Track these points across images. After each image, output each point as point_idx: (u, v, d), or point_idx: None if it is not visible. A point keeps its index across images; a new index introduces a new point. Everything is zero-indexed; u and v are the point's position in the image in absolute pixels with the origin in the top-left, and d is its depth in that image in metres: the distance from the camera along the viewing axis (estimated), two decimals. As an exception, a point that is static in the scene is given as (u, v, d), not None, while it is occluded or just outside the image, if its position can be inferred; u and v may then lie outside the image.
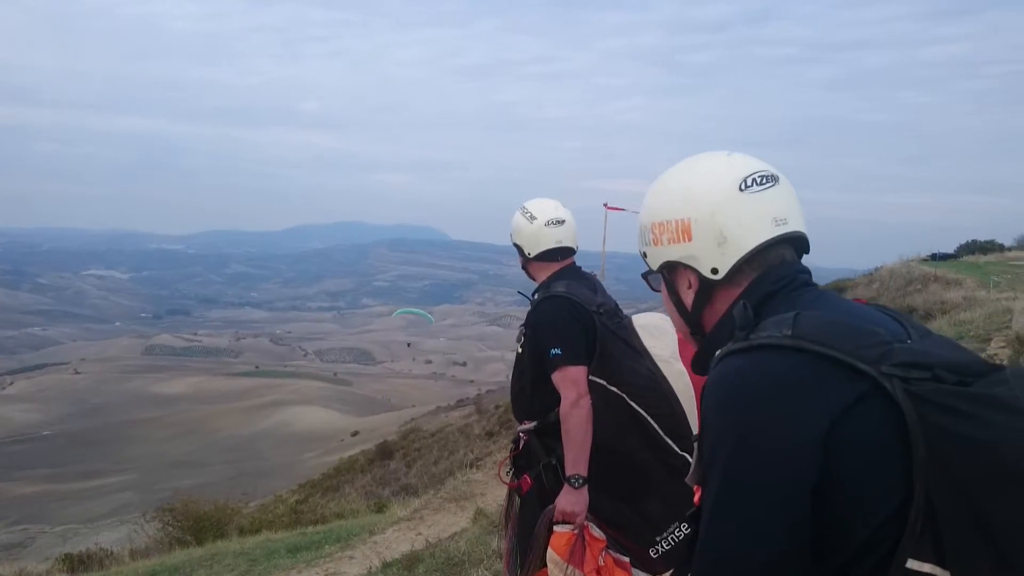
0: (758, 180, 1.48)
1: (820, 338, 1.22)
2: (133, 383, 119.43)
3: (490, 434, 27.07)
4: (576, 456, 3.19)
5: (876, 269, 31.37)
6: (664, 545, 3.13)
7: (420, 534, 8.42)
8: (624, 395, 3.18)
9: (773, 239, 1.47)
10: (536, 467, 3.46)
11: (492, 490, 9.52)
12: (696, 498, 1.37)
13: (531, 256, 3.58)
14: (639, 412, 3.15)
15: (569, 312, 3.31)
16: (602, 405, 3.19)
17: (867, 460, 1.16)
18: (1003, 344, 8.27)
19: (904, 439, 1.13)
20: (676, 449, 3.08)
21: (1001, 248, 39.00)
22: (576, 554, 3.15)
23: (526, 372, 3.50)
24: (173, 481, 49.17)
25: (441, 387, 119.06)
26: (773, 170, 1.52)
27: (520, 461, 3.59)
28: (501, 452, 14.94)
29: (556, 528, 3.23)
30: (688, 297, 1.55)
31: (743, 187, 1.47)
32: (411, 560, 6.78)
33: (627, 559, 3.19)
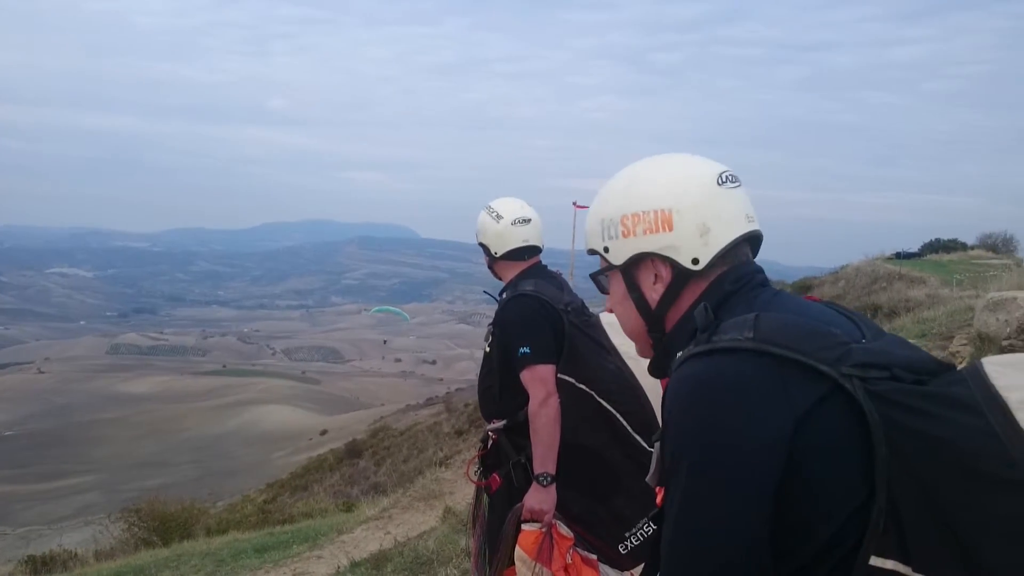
0: (730, 178, 1.51)
1: (781, 340, 1.23)
2: (98, 382, 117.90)
3: (459, 432, 27.06)
4: (544, 454, 3.20)
5: (842, 267, 31.74)
6: (633, 541, 3.15)
7: (389, 533, 8.40)
8: (593, 393, 3.19)
9: (745, 234, 1.49)
10: (505, 466, 3.46)
11: (461, 488, 9.52)
12: (659, 499, 1.38)
13: (497, 255, 3.57)
14: (608, 409, 3.16)
15: (537, 311, 3.31)
16: (571, 403, 3.20)
17: (831, 460, 1.17)
18: (965, 342, 8.38)
19: (866, 438, 1.15)
20: (645, 446, 3.09)
21: (964, 247, 39.56)
22: (544, 552, 3.16)
23: (494, 371, 3.49)
24: (139, 481, 48.72)
25: (410, 385, 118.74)
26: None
27: (489, 460, 3.59)
28: (470, 450, 14.94)
29: (524, 526, 3.24)
30: (655, 293, 1.53)
31: (720, 182, 1.49)
32: (380, 559, 6.76)
33: (595, 556, 3.20)
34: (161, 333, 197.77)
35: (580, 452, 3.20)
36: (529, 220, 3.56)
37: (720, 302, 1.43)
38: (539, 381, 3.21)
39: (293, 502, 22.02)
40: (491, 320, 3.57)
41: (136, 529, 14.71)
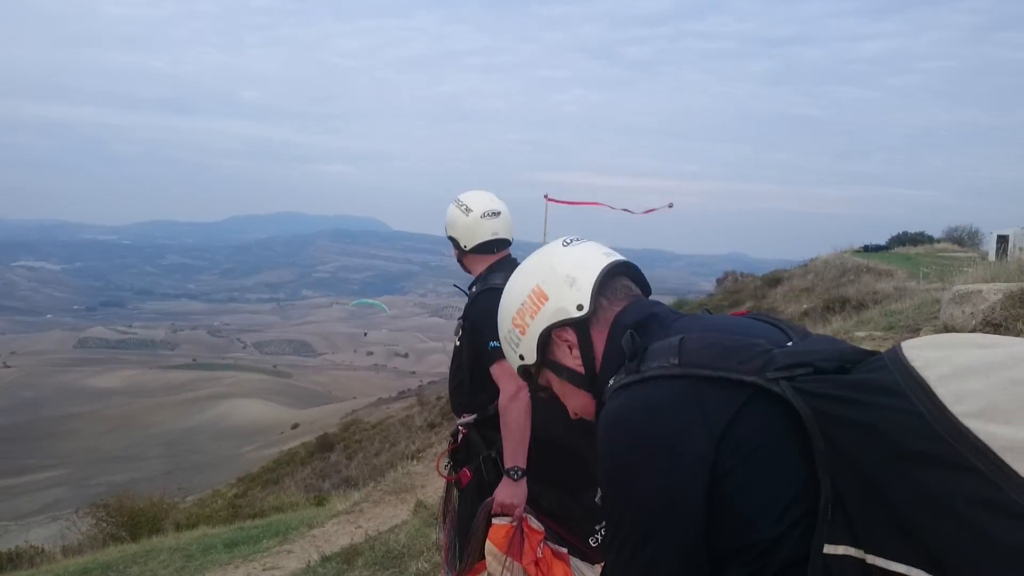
0: (575, 239, 1.75)
1: (704, 361, 1.32)
2: (65, 377, 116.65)
3: (432, 425, 27.06)
4: (515, 448, 3.20)
5: (811, 260, 32.04)
6: (603, 533, 3.16)
7: (360, 527, 8.38)
8: (564, 386, 3.18)
9: (610, 264, 1.66)
10: (476, 460, 3.46)
11: (433, 482, 9.51)
12: None
13: (467, 249, 3.56)
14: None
15: (507, 304, 3.30)
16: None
17: (766, 463, 1.24)
18: (931, 334, 8.48)
19: (802, 434, 1.21)
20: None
21: (931, 240, 40.15)
22: (515, 546, 3.15)
23: (464, 365, 3.48)
24: (107, 476, 48.39)
25: (382, 379, 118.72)
26: None
27: (459, 454, 3.58)
28: (442, 444, 14.89)
29: (495, 520, 3.23)
30: (576, 359, 1.64)
31: (565, 244, 1.73)
32: (350, 553, 6.75)
33: (565, 550, 3.20)
34: (130, 327, 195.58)
35: (550, 446, 3.20)
36: (499, 213, 3.55)
37: (637, 329, 1.52)
38: (509, 375, 3.19)
39: (264, 496, 21.92)
40: (461, 314, 3.56)
41: (104, 524, 14.60)
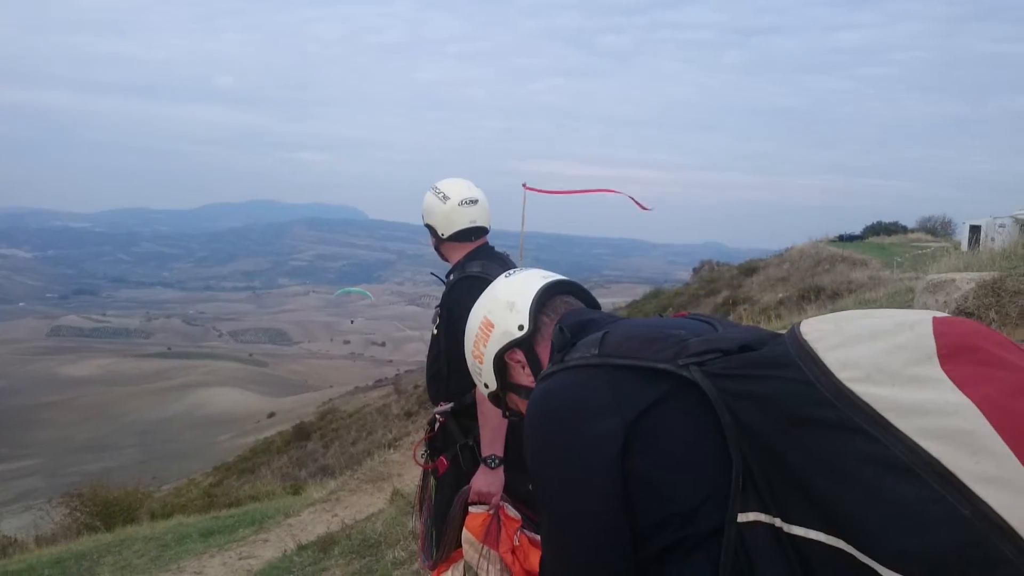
0: (517, 270, 1.96)
1: (622, 352, 1.45)
2: (38, 365, 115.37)
3: (408, 414, 27.05)
4: (492, 437, 3.20)
5: (787, 250, 32.26)
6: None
7: (336, 516, 8.37)
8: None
9: (547, 284, 1.85)
10: (453, 448, 3.45)
11: (409, 471, 9.50)
12: None
13: (444, 237, 3.55)
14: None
15: (485, 293, 3.29)
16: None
17: (681, 442, 1.34)
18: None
19: (713, 413, 1.31)
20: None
21: (905, 230, 40.55)
22: (491, 534, 3.15)
23: (442, 354, 3.48)
24: (81, 466, 47.95)
25: (359, 367, 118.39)
26: None
27: (436, 443, 3.58)
28: (419, 432, 14.89)
29: (471, 509, 3.23)
30: (529, 376, 1.81)
31: (507, 276, 1.94)
32: (327, 542, 6.74)
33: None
34: (103, 315, 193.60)
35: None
36: (476, 201, 3.54)
37: (573, 332, 1.64)
38: (486, 363, 3.19)
39: (240, 485, 21.84)
40: (438, 302, 3.55)
41: (78, 514, 14.50)
